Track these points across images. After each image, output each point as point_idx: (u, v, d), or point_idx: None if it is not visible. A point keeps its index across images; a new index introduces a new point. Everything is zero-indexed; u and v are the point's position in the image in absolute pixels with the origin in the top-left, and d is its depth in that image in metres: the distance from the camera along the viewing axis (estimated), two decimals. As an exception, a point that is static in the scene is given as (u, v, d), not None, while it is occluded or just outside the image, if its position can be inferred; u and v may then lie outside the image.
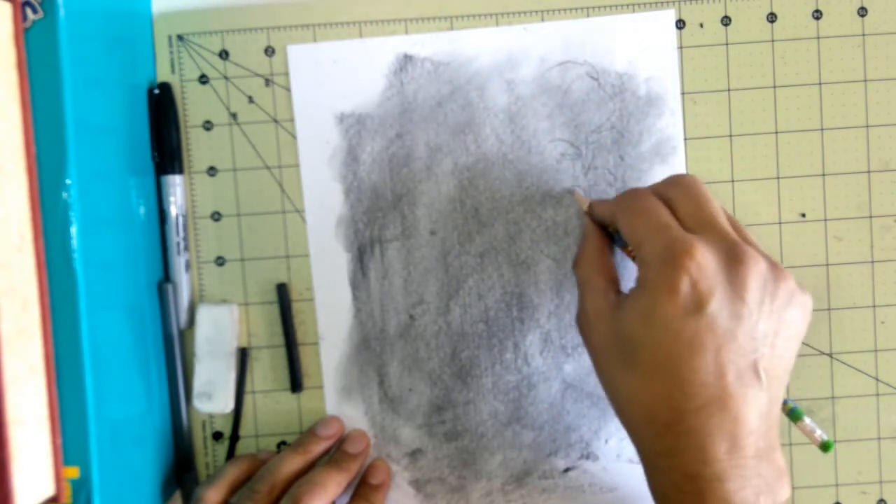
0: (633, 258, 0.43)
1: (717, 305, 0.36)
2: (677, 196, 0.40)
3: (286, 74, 0.48)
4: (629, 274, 0.45)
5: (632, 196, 0.41)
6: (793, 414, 0.42)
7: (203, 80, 0.48)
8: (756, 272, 0.37)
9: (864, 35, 0.48)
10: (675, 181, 0.41)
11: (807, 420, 0.42)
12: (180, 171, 0.48)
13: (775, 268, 0.38)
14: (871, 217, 0.48)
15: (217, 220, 0.49)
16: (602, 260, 0.43)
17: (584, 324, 0.42)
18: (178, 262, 0.48)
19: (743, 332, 0.37)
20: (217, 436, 0.49)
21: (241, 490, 0.45)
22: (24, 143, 0.35)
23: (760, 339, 0.37)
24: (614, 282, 0.42)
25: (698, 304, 0.36)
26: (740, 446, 0.37)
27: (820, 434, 0.42)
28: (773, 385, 0.38)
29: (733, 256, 0.37)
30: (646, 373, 0.38)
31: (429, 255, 0.48)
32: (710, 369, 0.36)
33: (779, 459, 0.38)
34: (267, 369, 0.49)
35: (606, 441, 0.49)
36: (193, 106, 0.48)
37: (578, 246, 0.45)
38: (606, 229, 0.44)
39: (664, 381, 0.37)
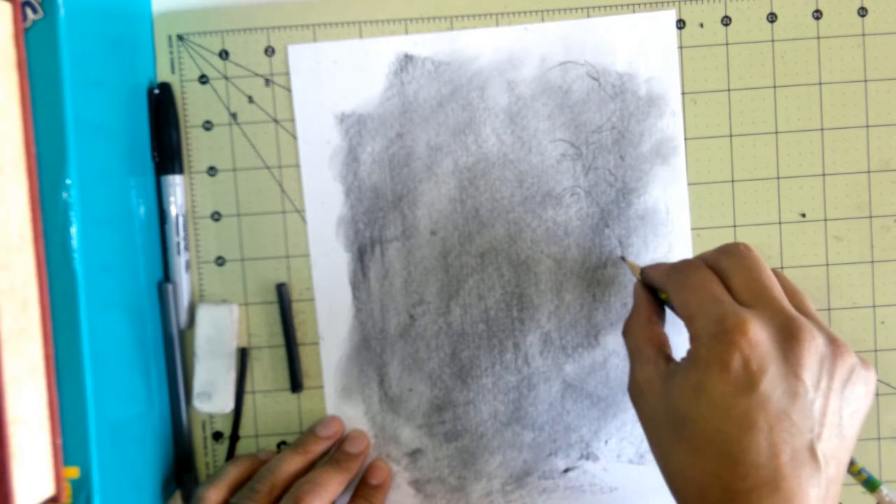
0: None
1: (770, 383, 0.35)
2: (730, 267, 0.39)
3: (286, 74, 0.48)
4: (681, 332, 0.42)
5: (683, 269, 0.40)
6: (869, 484, 0.40)
7: (203, 80, 0.48)
8: (812, 349, 0.36)
9: (864, 35, 0.48)
10: (727, 251, 0.40)
11: (884, 490, 0.40)
12: (180, 171, 0.48)
13: (834, 343, 0.37)
14: (871, 217, 0.48)
15: (217, 220, 0.49)
16: (652, 328, 0.42)
17: (634, 393, 0.41)
18: (178, 262, 0.48)
19: (798, 411, 0.35)
20: (217, 436, 0.49)
21: (242, 490, 0.45)
22: (24, 143, 0.35)
23: (817, 419, 0.36)
24: (664, 349, 0.41)
25: (750, 382, 0.35)
26: None
27: None
28: (832, 466, 0.36)
29: (788, 332, 0.36)
30: (696, 449, 0.36)
31: (429, 256, 0.48)
32: (763, 449, 0.35)
33: None
34: (267, 369, 0.49)
35: (606, 441, 0.49)
36: (193, 106, 0.48)
37: (629, 313, 0.44)
38: (657, 294, 0.43)
39: (715, 459, 0.36)
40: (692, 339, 0.38)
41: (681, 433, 0.37)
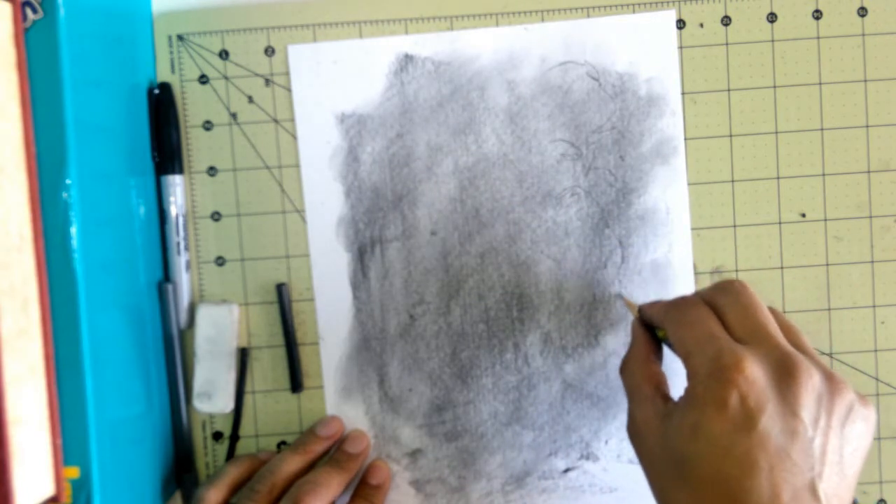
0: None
1: (769, 422, 0.35)
2: (726, 304, 0.39)
3: (286, 74, 0.48)
4: (678, 367, 0.42)
5: (680, 306, 0.40)
6: None
7: (203, 80, 0.48)
8: (809, 386, 0.36)
9: (863, 35, 0.48)
10: (723, 288, 0.40)
11: None
12: (180, 171, 0.48)
13: (831, 380, 0.37)
14: (871, 217, 0.48)
15: (217, 220, 0.49)
16: (649, 366, 0.42)
17: (633, 433, 0.41)
18: (178, 262, 0.48)
19: (797, 449, 0.35)
20: (217, 436, 0.49)
21: (242, 490, 0.45)
22: (24, 143, 0.35)
23: (818, 457, 0.35)
24: (662, 388, 0.41)
25: (748, 420, 0.35)
26: None
27: None
28: None
29: (785, 369, 0.36)
30: (697, 489, 0.36)
31: (429, 256, 0.48)
32: (764, 490, 0.34)
33: None
34: (267, 369, 0.49)
35: (606, 442, 0.49)
36: (193, 106, 0.48)
37: (626, 351, 0.43)
38: (654, 332, 0.43)
39: (716, 501, 0.35)
40: (689, 378, 0.38)
41: (680, 473, 0.37)
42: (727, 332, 0.38)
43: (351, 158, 0.48)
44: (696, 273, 0.48)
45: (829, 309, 0.48)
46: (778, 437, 0.35)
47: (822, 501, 0.35)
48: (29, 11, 0.36)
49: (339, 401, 0.49)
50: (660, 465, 0.38)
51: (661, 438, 0.38)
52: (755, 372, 0.36)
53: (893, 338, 0.49)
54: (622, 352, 0.48)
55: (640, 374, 0.41)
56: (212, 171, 0.48)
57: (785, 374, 0.36)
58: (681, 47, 0.48)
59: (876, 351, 0.49)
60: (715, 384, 0.36)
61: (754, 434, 0.35)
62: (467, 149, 0.48)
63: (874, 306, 0.48)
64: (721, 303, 0.39)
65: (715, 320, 0.39)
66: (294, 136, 0.48)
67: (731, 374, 0.36)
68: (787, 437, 0.35)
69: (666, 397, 0.40)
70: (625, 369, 0.43)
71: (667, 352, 0.43)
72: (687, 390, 0.37)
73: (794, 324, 0.40)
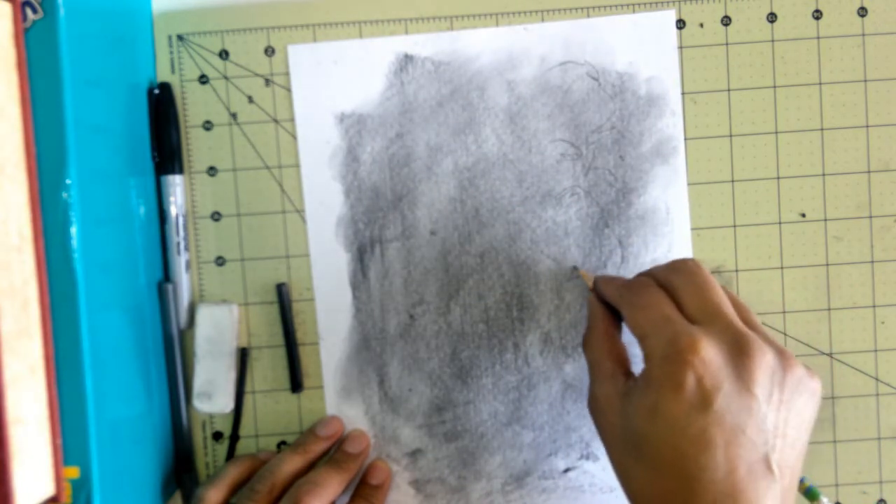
0: None
1: (725, 401, 0.36)
2: (680, 284, 0.39)
3: (286, 74, 0.48)
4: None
5: (634, 288, 0.41)
6: (809, 494, 0.41)
7: (203, 80, 0.48)
8: (763, 364, 0.37)
9: (863, 35, 0.48)
10: (677, 267, 0.40)
11: (824, 500, 0.41)
12: (180, 171, 0.48)
13: (783, 356, 0.38)
14: (871, 217, 0.48)
15: (217, 220, 0.49)
16: (609, 341, 0.42)
17: (593, 409, 0.41)
18: (178, 262, 0.48)
19: (752, 425, 0.36)
20: (217, 436, 0.49)
21: (242, 490, 0.45)
22: (24, 143, 0.35)
23: (771, 431, 0.36)
24: (623, 363, 0.41)
25: (704, 400, 0.36)
26: None
27: None
28: (786, 475, 0.37)
29: (739, 349, 0.37)
30: (654, 467, 0.37)
31: (429, 256, 0.48)
32: (720, 466, 0.35)
33: None
34: (267, 369, 0.49)
35: (606, 441, 0.49)
36: (193, 106, 0.48)
37: (586, 326, 0.44)
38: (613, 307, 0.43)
39: (673, 478, 0.36)
40: (646, 359, 0.38)
41: (639, 452, 0.37)
42: (681, 311, 0.39)
43: (350, 158, 0.48)
44: (696, 273, 0.48)
45: (829, 309, 0.48)
46: (734, 414, 0.36)
47: (775, 473, 0.36)
48: (29, 11, 0.37)
49: (339, 401, 0.49)
50: (619, 442, 0.39)
51: (620, 417, 0.39)
52: (710, 353, 0.36)
53: (893, 338, 0.49)
54: (622, 352, 0.48)
55: (600, 349, 0.42)
56: (212, 171, 0.48)
57: (739, 353, 0.37)
58: (681, 47, 0.48)
59: (876, 351, 0.49)
60: (671, 367, 0.36)
61: (710, 413, 0.36)
62: (467, 149, 0.48)
63: (874, 306, 0.48)
64: (675, 283, 0.40)
65: (669, 302, 0.39)
66: (294, 136, 0.48)
67: (687, 357, 0.36)
68: (742, 414, 0.36)
69: (627, 374, 0.40)
70: (586, 345, 0.43)
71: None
72: (644, 372, 0.38)
73: (744, 302, 0.41)
